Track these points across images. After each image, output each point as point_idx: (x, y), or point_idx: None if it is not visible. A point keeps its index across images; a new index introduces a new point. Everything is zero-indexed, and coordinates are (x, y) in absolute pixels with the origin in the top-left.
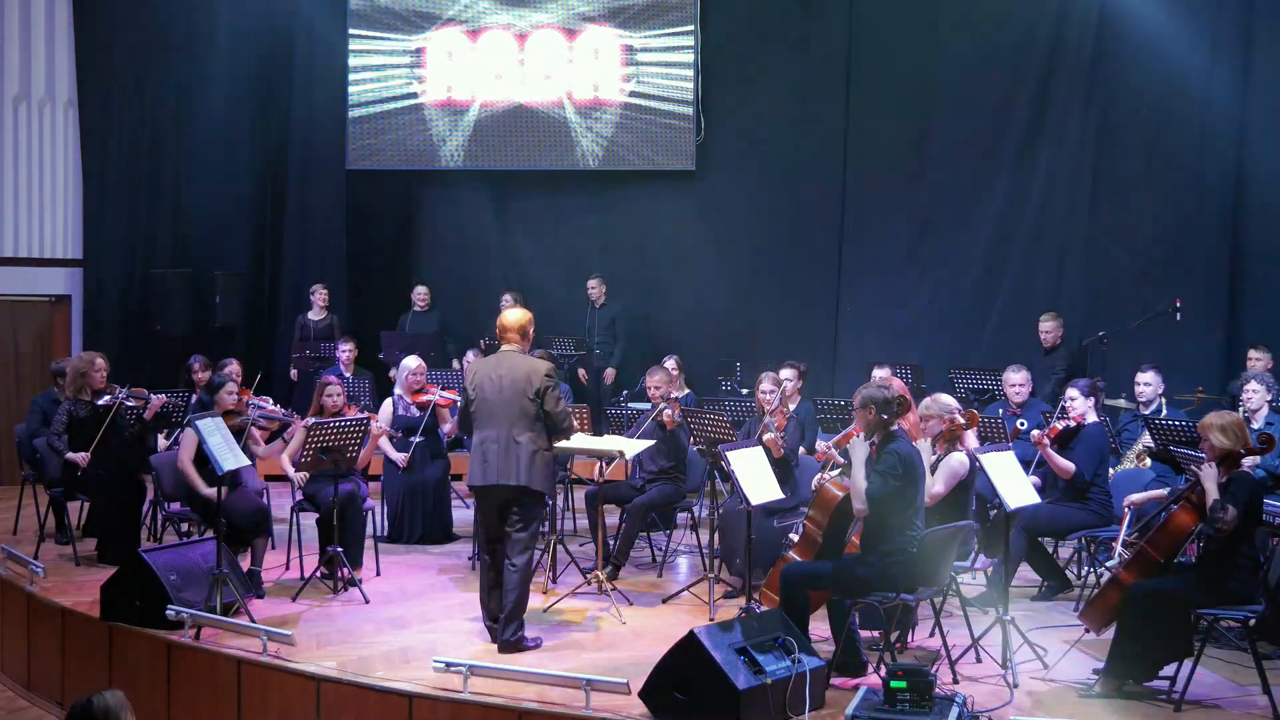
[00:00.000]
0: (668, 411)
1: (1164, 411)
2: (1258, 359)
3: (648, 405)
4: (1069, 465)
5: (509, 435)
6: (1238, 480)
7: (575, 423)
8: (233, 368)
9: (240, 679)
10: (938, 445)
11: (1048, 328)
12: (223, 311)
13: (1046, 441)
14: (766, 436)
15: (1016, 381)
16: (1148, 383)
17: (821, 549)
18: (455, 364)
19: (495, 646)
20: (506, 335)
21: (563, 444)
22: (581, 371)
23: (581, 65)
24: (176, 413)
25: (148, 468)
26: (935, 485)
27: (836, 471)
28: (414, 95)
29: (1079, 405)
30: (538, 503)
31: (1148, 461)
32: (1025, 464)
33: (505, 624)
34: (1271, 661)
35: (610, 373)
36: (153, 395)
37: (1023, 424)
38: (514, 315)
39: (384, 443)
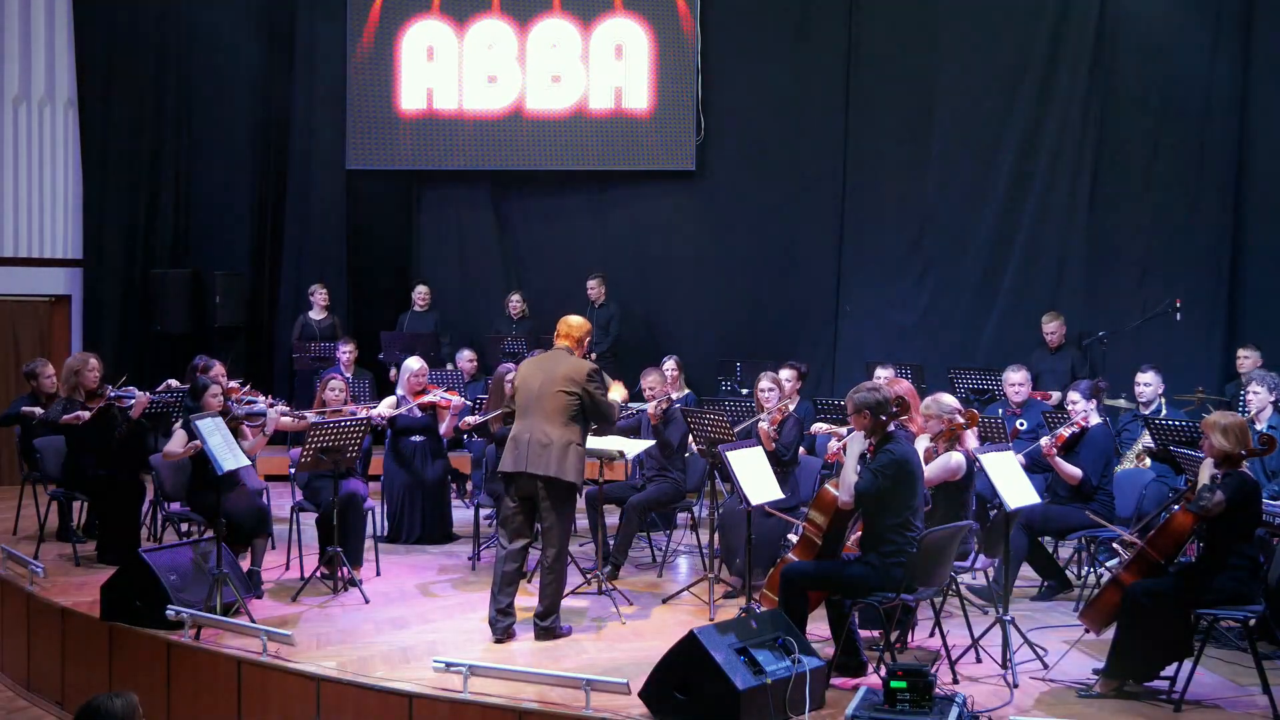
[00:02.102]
0: (650, 406)
1: (1163, 411)
2: (1245, 357)
3: (645, 405)
4: (1076, 472)
5: (541, 428)
6: (1233, 475)
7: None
8: (216, 369)
9: (240, 679)
10: (938, 444)
11: (1051, 328)
12: (223, 311)
13: (1055, 451)
14: (760, 426)
15: (1016, 381)
16: (1147, 383)
17: (821, 550)
18: (449, 365)
19: (496, 645)
20: (561, 337)
21: None
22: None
23: (582, 65)
24: (172, 412)
25: (147, 468)
26: (927, 470)
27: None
28: (414, 94)
29: (1081, 407)
30: (567, 495)
31: (1148, 461)
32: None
33: (546, 614)
34: (1271, 661)
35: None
36: (138, 392)
37: (1022, 424)
38: (575, 320)
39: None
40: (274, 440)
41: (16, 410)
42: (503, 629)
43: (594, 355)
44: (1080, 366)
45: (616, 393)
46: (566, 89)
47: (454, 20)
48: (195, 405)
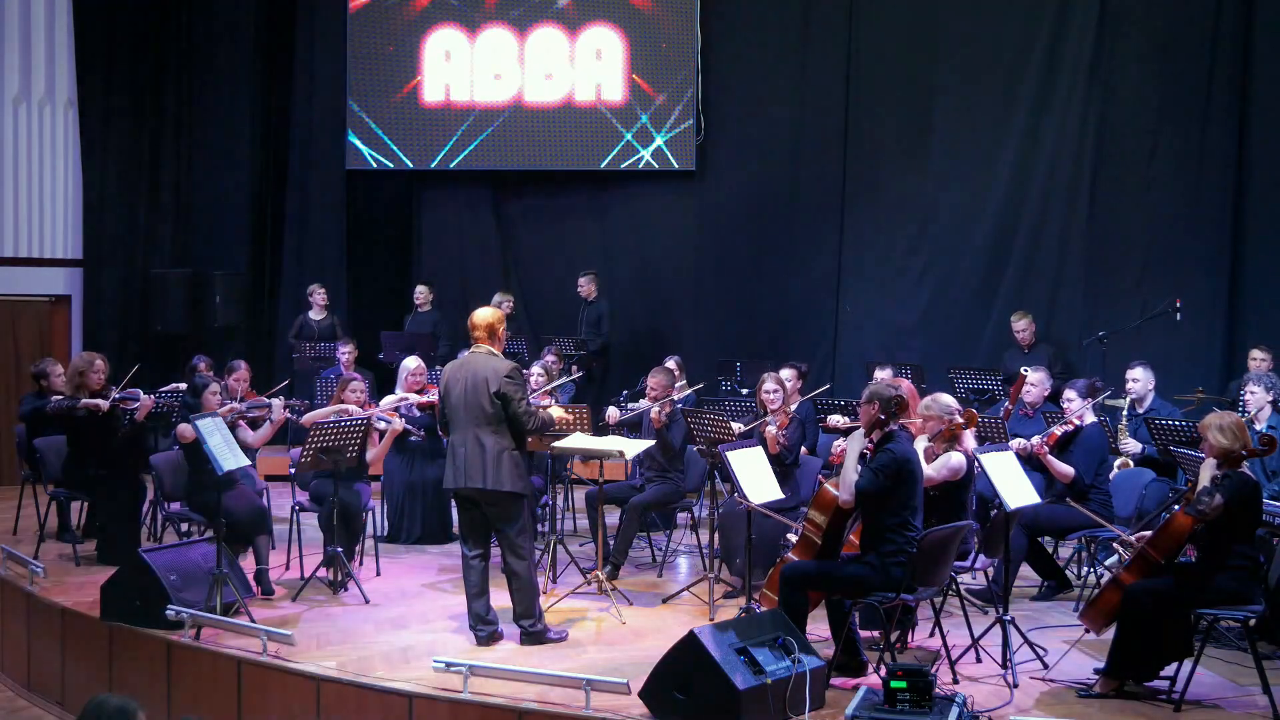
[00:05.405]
0: (655, 410)
1: (1149, 402)
2: (1261, 359)
3: (644, 404)
4: (1068, 470)
5: (474, 437)
6: (1233, 477)
7: (541, 423)
8: (240, 373)
9: (240, 679)
10: (937, 445)
11: (1020, 325)
12: (223, 311)
13: (1046, 449)
14: (767, 430)
15: (1031, 381)
16: (1136, 378)
17: (821, 550)
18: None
19: (496, 645)
20: (475, 334)
21: (562, 444)
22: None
23: (581, 65)
24: (173, 412)
25: (148, 468)
26: (928, 470)
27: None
28: (414, 95)
29: (1076, 407)
30: (512, 503)
31: (1130, 463)
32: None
33: (522, 619)
34: (1271, 661)
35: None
36: (144, 395)
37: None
38: (482, 314)
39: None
40: (274, 440)
41: (33, 407)
42: (485, 635)
43: (585, 350)
44: (1054, 365)
45: (555, 412)
46: (557, 84)
47: (466, 29)
48: (195, 403)
